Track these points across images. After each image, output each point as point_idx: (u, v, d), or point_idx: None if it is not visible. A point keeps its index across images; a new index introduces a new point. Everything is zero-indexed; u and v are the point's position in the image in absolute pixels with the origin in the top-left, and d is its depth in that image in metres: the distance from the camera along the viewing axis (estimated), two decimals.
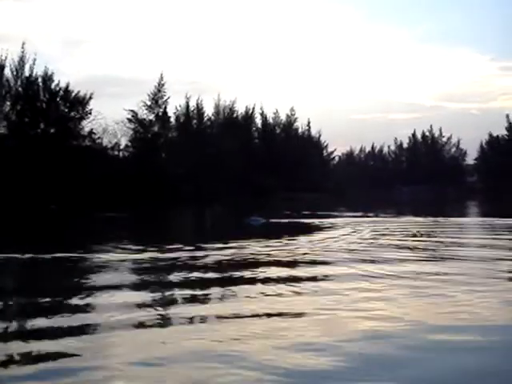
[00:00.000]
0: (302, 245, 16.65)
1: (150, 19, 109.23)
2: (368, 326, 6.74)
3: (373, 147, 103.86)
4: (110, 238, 20.73)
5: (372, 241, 17.24)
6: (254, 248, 16.34)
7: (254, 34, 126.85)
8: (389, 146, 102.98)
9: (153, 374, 5.39)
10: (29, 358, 5.96)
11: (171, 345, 6.21)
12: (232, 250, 15.68)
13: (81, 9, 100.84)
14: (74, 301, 8.98)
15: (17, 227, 27.23)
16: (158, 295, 9.56)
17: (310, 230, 22.89)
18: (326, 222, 27.10)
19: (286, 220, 28.55)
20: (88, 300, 9.12)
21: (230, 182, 54.67)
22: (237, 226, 25.91)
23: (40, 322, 7.35)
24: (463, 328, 6.57)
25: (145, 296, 9.18)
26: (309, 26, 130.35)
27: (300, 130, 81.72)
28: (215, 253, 14.97)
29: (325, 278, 10.81)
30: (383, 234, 19.47)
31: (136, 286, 10.42)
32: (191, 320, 7.46)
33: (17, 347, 6.50)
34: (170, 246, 16.84)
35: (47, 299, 9.61)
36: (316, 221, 27.73)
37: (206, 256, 14.06)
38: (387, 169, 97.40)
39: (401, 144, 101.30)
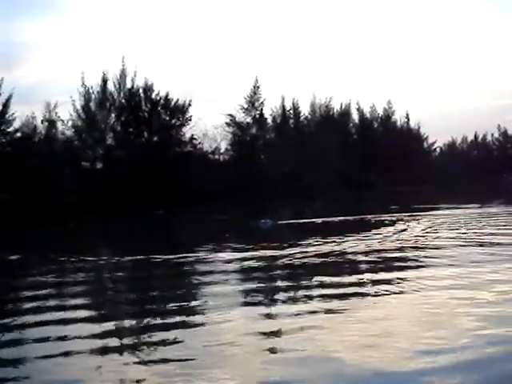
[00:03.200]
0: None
1: (241, 24, 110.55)
2: None
3: (475, 136, 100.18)
4: (242, 238, 21.20)
5: None
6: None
7: (344, 30, 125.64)
8: (492, 134, 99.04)
9: None
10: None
11: None
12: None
13: (169, 19, 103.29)
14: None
15: (135, 232, 28.48)
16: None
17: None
18: (439, 214, 26.56)
19: (307, 220, 27.98)
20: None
21: (331, 179, 54.47)
22: (246, 228, 25.74)
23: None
24: None
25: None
26: (401, 15, 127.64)
27: (398, 123, 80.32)
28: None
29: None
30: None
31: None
32: None
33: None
34: (301, 242, 17.54)
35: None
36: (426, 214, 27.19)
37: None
38: (492, 158, 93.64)
39: (505, 131, 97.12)
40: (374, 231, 20.49)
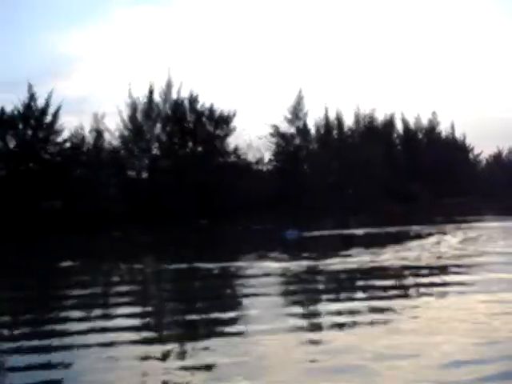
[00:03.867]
0: None
1: (285, 35, 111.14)
2: None
3: None
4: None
5: None
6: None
7: (388, 41, 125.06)
8: None
9: None
10: None
11: None
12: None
13: (214, 31, 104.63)
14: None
15: (180, 241, 28.97)
16: None
17: None
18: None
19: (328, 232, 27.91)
20: None
21: (375, 191, 54.27)
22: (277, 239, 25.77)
23: None
24: None
25: None
26: (445, 27, 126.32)
27: (443, 134, 79.43)
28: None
29: None
30: None
31: None
32: None
33: None
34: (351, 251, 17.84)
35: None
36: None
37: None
38: None
39: None
40: (415, 242, 20.57)
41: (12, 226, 34.13)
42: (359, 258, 16.57)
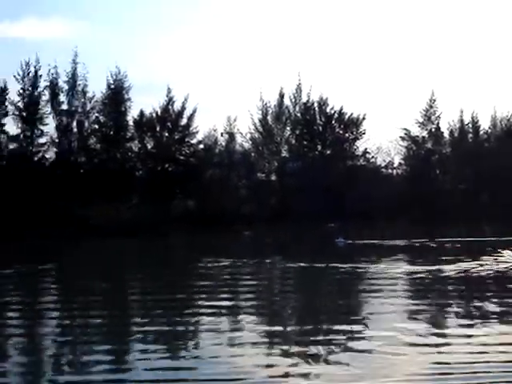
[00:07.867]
0: None
1: (416, 35, 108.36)
2: None
3: None
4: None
5: None
6: None
7: None
8: None
9: None
10: None
11: None
12: None
13: (344, 34, 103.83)
14: None
15: (307, 243, 29.11)
16: None
17: None
18: None
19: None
20: None
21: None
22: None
23: None
24: None
25: None
26: None
27: None
28: None
29: None
30: None
31: None
32: None
33: None
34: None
35: None
36: None
37: None
38: None
39: None
40: None
41: (147, 224, 35.75)
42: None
